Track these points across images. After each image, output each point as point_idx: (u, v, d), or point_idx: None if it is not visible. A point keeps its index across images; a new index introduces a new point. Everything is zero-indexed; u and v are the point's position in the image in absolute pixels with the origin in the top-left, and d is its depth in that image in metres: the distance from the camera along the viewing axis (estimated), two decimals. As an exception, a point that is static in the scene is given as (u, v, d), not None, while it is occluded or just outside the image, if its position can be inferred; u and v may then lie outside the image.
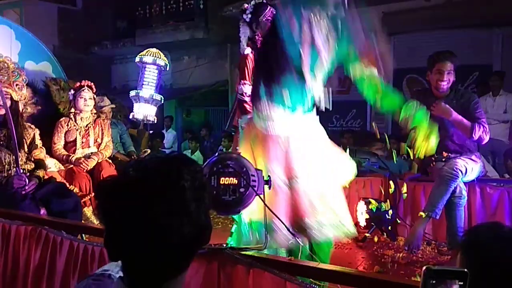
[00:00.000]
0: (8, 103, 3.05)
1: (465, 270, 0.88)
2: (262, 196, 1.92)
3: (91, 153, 3.82)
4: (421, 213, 3.10)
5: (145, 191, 0.85)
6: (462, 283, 0.88)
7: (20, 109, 3.25)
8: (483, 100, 5.16)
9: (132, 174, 0.87)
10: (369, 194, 3.81)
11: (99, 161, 3.78)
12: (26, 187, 2.92)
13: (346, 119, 7.92)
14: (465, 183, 3.23)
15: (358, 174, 3.93)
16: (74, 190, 3.40)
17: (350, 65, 2.42)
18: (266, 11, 3.23)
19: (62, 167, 3.72)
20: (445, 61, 3.19)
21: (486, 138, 3.20)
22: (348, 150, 3.34)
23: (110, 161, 3.96)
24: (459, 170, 3.09)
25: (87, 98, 3.84)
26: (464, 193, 3.19)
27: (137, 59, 4.39)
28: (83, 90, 3.84)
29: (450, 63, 3.20)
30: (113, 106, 4.59)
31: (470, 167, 3.20)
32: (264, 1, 3.33)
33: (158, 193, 0.85)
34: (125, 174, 0.88)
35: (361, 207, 3.67)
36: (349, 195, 3.88)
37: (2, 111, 3.04)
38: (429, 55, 3.34)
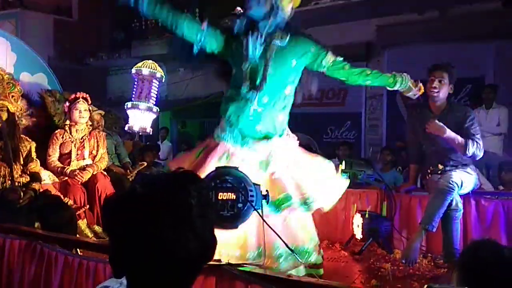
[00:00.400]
0: (5, 115, 3.03)
1: None
2: (260, 211, 1.91)
3: (86, 165, 3.79)
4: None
5: (152, 207, 0.85)
6: None
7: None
8: (476, 113, 5.16)
9: (139, 190, 0.88)
10: (365, 207, 3.80)
11: (94, 173, 3.76)
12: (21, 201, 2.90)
13: (341, 131, 7.95)
14: (460, 196, 3.25)
15: (354, 186, 3.98)
16: (69, 203, 3.37)
17: (319, 62, 2.72)
18: None
19: (57, 180, 3.69)
20: (437, 70, 3.23)
21: (480, 155, 3.22)
22: (344, 162, 3.37)
23: (105, 173, 3.94)
24: (455, 182, 3.10)
25: (82, 110, 3.83)
26: (460, 205, 3.19)
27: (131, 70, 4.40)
28: (78, 102, 3.83)
29: (444, 72, 3.23)
30: (102, 112, 4.54)
31: (466, 180, 3.21)
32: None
33: (165, 209, 0.85)
34: (132, 190, 0.88)
35: (358, 219, 3.65)
36: (345, 207, 3.90)
37: None
38: (421, 68, 3.39)
